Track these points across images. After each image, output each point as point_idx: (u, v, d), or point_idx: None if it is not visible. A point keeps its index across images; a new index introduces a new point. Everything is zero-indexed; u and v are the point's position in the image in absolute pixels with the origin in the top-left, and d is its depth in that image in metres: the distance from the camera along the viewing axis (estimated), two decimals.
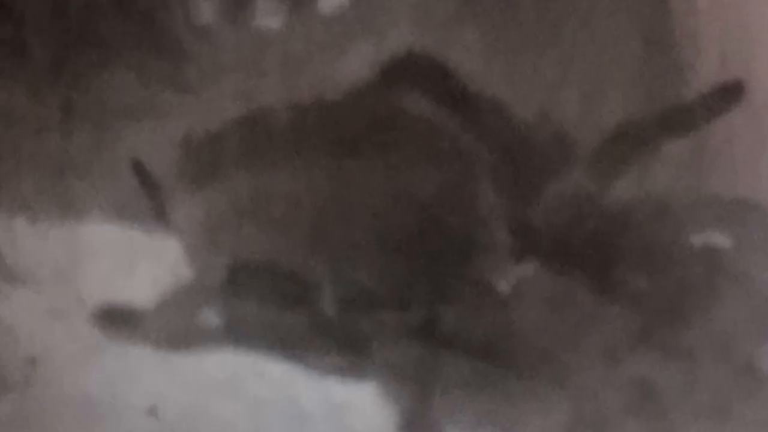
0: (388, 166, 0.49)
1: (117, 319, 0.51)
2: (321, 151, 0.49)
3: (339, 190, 0.49)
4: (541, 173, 0.48)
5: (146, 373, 0.51)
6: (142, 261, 0.51)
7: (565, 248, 0.47)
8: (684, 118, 0.46)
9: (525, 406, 0.47)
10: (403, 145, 0.49)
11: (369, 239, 0.49)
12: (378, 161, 0.49)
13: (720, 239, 0.46)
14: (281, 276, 0.49)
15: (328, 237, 0.49)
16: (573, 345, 0.46)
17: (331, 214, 0.49)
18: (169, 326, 0.51)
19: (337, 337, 0.49)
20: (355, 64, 0.50)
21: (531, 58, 0.50)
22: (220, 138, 0.51)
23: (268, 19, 0.51)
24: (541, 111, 0.48)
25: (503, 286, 0.48)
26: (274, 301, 0.49)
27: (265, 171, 0.50)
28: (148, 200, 0.51)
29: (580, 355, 0.46)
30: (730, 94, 0.47)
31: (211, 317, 0.50)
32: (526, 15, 0.50)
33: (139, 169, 0.51)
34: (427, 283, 0.48)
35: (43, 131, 0.52)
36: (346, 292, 0.49)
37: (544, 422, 0.47)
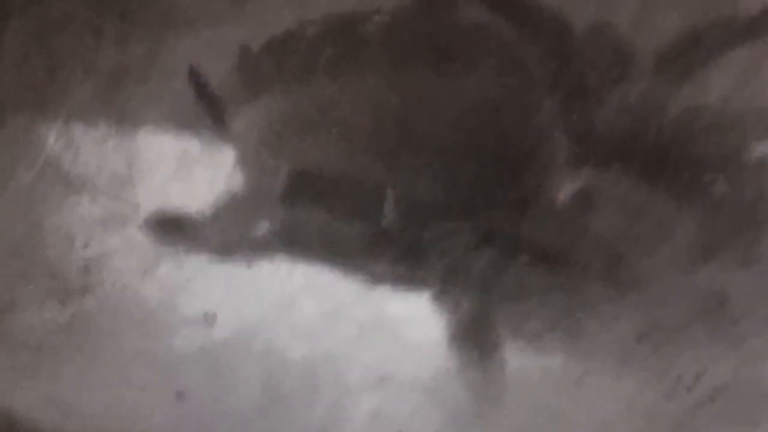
0: (448, 75, 0.48)
1: (173, 228, 0.52)
2: (383, 60, 0.49)
3: (401, 99, 0.49)
4: (601, 81, 0.47)
5: (202, 281, 0.52)
6: (197, 169, 0.51)
7: (629, 155, 0.46)
8: (746, 27, 0.46)
9: (595, 311, 0.47)
10: (462, 54, 0.48)
11: (432, 149, 0.49)
12: (438, 71, 0.48)
13: None
14: (343, 184, 0.49)
15: (392, 146, 0.49)
16: (649, 251, 0.46)
17: (393, 123, 0.49)
18: (226, 234, 0.51)
19: (398, 246, 0.49)
20: None
21: None
22: (280, 46, 0.50)
23: None
24: (599, 19, 0.47)
25: (563, 194, 0.47)
26: (334, 209, 0.49)
27: (328, 80, 0.50)
28: (205, 108, 0.51)
29: (655, 261, 0.46)
30: None
31: (267, 226, 0.51)
32: None
33: (195, 77, 0.51)
34: (488, 193, 0.48)
35: (101, 39, 0.52)
36: (408, 202, 0.49)
37: (614, 328, 0.47)
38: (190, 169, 0.52)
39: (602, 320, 0.48)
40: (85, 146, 0.53)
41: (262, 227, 0.51)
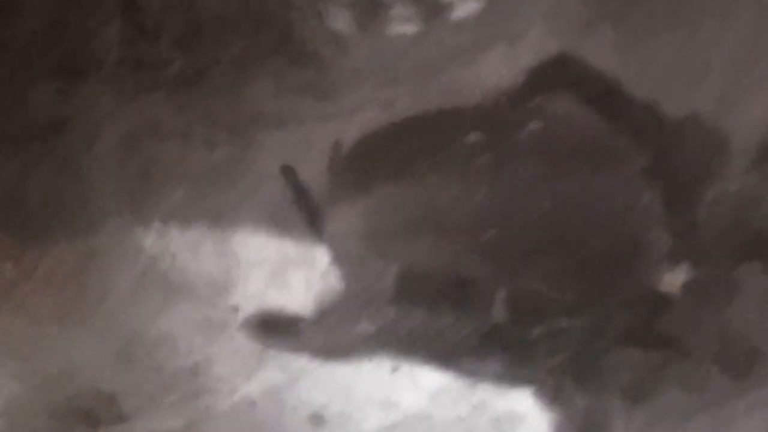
0: (547, 171, 0.47)
1: (274, 330, 0.52)
2: (482, 159, 0.48)
3: (503, 197, 0.48)
4: (699, 174, 0.46)
5: (307, 382, 0.52)
6: (295, 271, 0.51)
7: (731, 247, 0.45)
8: None
9: (724, 407, 0.46)
10: (562, 149, 0.47)
11: (537, 246, 0.48)
12: (540, 165, 0.48)
13: None
14: (451, 283, 0.49)
15: (500, 243, 0.48)
16: None
17: (497, 221, 0.48)
18: (330, 335, 0.51)
19: (506, 344, 0.48)
20: (493, 69, 0.49)
21: (670, 55, 0.48)
22: (372, 145, 0.50)
23: (402, 26, 0.50)
24: (691, 109, 0.46)
25: (666, 287, 0.47)
26: (442, 309, 0.49)
27: (431, 177, 0.49)
28: (300, 209, 0.51)
29: None
30: None
31: (372, 326, 0.50)
32: (659, 11, 0.48)
33: (290, 176, 0.51)
34: (595, 288, 0.47)
35: (189, 142, 0.52)
36: (517, 298, 0.48)
37: (745, 424, 0.46)
38: (288, 271, 0.51)
39: (733, 415, 0.47)
40: (181, 250, 0.53)
41: (368, 328, 0.51)
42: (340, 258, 0.51)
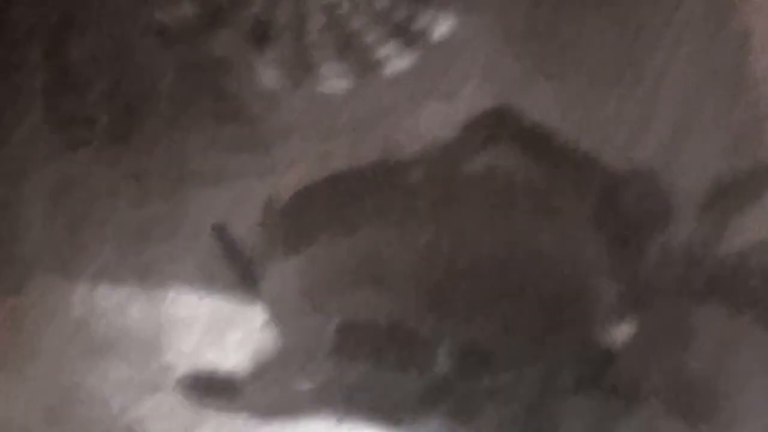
0: (492, 220, 0.47)
1: (209, 389, 0.51)
2: (425, 208, 0.48)
3: (447, 246, 0.48)
4: (644, 222, 0.46)
5: None
6: (229, 329, 0.50)
7: (684, 293, 0.46)
8: None
9: None
10: (502, 201, 0.47)
11: (482, 295, 0.48)
12: (482, 218, 0.47)
13: None
14: (393, 335, 0.48)
15: (442, 292, 0.48)
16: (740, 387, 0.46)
17: (441, 270, 0.48)
18: (268, 393, 0.50)
19: (453, 398, 0.48)
20: (429, 123, 0.49)
21: (610, 108, 0.48)
22: (307, 199, 0.49)
23: (334, 83, 0.49)
24: (634, 160, 0.46)
25: (611, 340, 0.47)
26: (385, 361, 0.48)
27: (367, 230, 0.49)
28: (233, 267, 0.50)
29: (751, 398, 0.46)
30: None
31: (312, 382, 0.50)
32: (597, 65, 0.49)
33: (221, 234, 0.50)
34: (543, 338, 0.47)
35: (118, 198, 0.51)
36: (463, 350, 0.48)
37: None
38: (222, 329, 0.50)
39: None
40: (111, 308, 0.51)
41: (307, 384, 0.50)
42: (276, 314, 0.50)
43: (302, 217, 0.50)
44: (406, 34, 0.50)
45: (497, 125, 0.47)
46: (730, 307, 0.46)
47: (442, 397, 0.48)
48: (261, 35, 0.51)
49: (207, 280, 0.51)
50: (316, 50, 0.50)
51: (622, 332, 0.47)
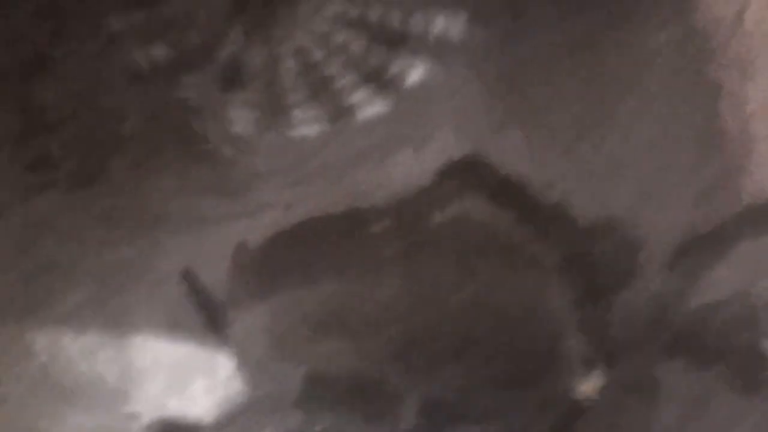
0: (457, 271, 0.47)
1: None
2: (389, 257, 0.48)
3: (414, 298, 0.47)
4: (612, 275, 0.46)
5: None
6: (196, 377, 0.50)
7: (650, 347, 0.46)
8: (758, 219, 0.45)
9: None
10: (471, 252, 0.47)
11: (448, 349, 0.47)
12: (450, 269, 0.47)
13: None
14: (359, 386, 0.48)
15: (408, 342, 0.48)
16: None
17: (406, 322, 0.47)
18: None
19: None
20: (401, 170, 0.49)
21: (581, 159, 0.48)
22: (276, 246, 0.49)
23: (306, 128, 0.49)
24: (603, 211, 0.46)
25: (579, 393, 0.46)
26: (350, 413, 0.48)
27: (335, 279, 0.48)
28: (201, 313, 0.49)
29: None
30: None
31: None
32: (568, 116, 0.49)
33: (190, 280, 0.50)
34: (508, 393, 0.47)
35: (85, 243, 0.51)
36: (428, 403, 0.47)
37: None
38: (189, 377, 0.50)
39: None
40: (75, 356, 0.51)
41: None
42: (243, 362, 0.49)
43: (271, 264, 0.49)
44: (379, 81, 0.50)
45: (468, 174, 0.47)
46: (695, 362, 0.46)
47: None
48: (233, 78, 0.50)
49: (174, 327, 0.50)
50: (288, 94, 0.50)
51: (590, 385, 0.47)
